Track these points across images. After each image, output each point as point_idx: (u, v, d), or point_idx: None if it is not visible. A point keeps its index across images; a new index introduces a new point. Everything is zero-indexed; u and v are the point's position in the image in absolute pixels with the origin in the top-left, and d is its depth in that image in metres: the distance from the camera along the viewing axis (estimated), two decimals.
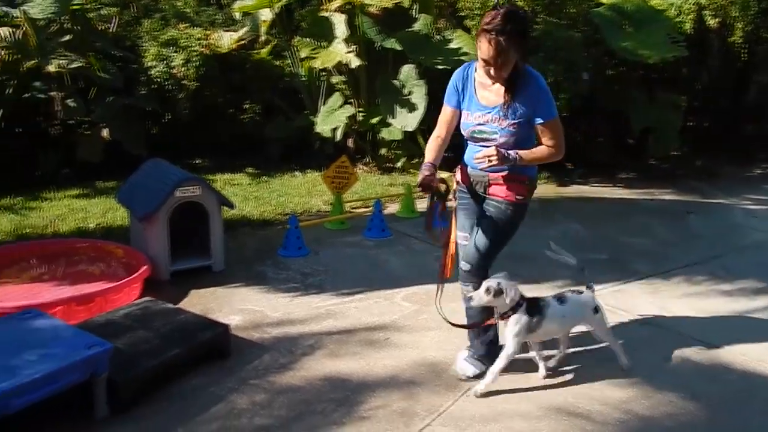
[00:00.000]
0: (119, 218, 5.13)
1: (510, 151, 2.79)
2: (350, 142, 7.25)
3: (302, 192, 6.17)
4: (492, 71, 2.72)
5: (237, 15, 7.63)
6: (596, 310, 3.07)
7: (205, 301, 3.81)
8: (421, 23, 6.70)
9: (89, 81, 6.57)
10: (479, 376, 2.99)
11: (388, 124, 6.52)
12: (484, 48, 2.66)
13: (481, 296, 2.85)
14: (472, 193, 3.05)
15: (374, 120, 6.68)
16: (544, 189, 6.63)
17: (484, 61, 2.70)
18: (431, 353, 3.27)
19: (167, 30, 6.90)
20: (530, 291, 3.87)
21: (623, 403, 2.90)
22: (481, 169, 2.90)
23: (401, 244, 4.84)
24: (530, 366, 3.12)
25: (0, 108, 6.17)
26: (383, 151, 7.16)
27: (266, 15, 7.26)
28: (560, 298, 3.01)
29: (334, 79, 7.29)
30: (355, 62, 6.46)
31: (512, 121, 2.80)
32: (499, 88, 2.82)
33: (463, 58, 6.13)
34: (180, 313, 3.37)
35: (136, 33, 7.16)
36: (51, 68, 5.96)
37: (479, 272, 2.96)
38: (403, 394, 2.92)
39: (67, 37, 6.33)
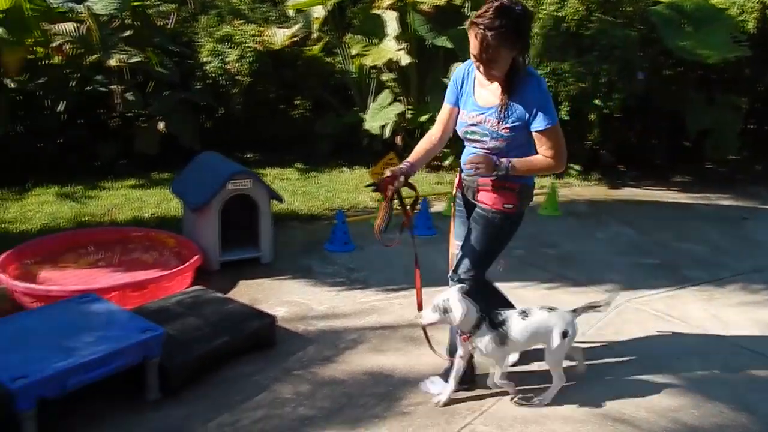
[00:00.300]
0: (173, 209, 5.28)
1: (502, 159, 2.60)
2: (399, 140, 7.27)
3: (350, 188, 6.23)
4: (481, 68, 2.54)
5: (290, 12, 7.75)
6: (564, 334, 2.77)
7: (252, 292, 3.90)
8: None
9: (147, 75, 6.79)
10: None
11: None
12: (471, 42, 2.48)
13: (428, 316, 2.69)
14: (465, 200, 2.89)
15: (423, 118, 6.68)
16: (595, 191, 6.51)
17: (473, 56, 2.53)
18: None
19: (222, 26, 7.06)
20: (576, 295, 3.84)
21: (671, 411, 2.83)
22: (469, 175, 2.75)
23: (447, 242, 4.81)
24: (573, 369, 3.08)
25: (64, 100, 6.44)
26: None
27: (318, 12, 7.35)
28: (524, 312, 2.80)
29: (384, 77, 7.32)
30: (405, 60, 6.47)
31: (506, 125, 2.60)
32: (497, 89, 2.62)
33: None
34: (229, 302, 3.46)
35: (192, 29, 7.37)
36: (112, 62, 6.20)
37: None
38: None
39: (128, 33, 6.55)
